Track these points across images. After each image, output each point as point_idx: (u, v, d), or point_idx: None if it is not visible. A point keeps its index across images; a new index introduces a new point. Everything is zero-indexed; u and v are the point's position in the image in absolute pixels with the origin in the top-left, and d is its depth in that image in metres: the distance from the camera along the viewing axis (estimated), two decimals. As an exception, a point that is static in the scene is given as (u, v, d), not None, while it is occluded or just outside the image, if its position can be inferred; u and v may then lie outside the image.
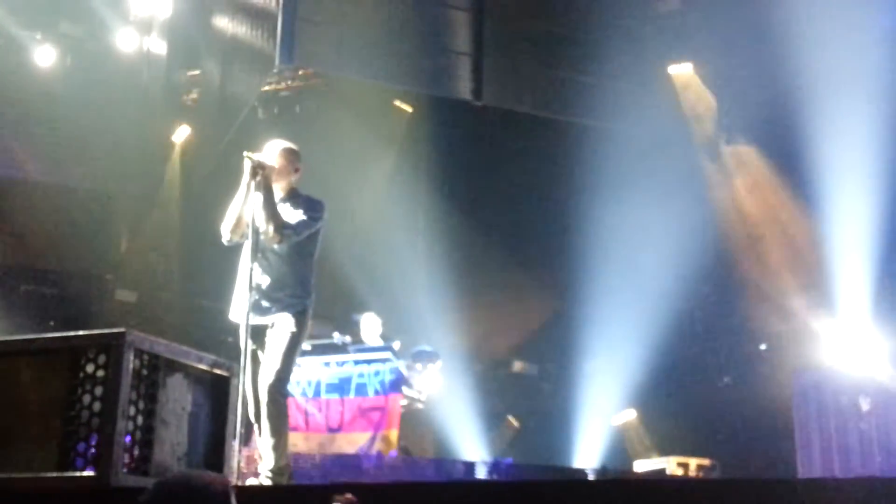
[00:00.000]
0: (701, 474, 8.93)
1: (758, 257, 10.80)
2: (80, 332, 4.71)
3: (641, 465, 9.54)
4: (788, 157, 10.28)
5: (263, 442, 5.40)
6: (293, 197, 5.70)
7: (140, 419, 4.61)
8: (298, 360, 8.21)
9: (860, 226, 9.11)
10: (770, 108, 10.57)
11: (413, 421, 8.79)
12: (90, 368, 4.52)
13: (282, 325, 5.50)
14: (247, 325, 5.34)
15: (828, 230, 9.42)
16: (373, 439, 8.14)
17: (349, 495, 3.00)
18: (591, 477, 8.70)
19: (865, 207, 9.12)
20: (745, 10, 10.76)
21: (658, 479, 8.01)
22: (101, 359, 4.51)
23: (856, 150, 9.30)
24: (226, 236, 5.64)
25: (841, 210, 9.34)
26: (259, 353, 5.48)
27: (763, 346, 10.70)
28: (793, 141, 9.90)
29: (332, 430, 8.34)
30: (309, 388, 8.57)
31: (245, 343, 5.28)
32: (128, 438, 4.51)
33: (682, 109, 11.66)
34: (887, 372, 7.77)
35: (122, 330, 4.61)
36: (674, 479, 7.98)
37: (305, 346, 8.57)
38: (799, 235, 10.23)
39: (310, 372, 8.62)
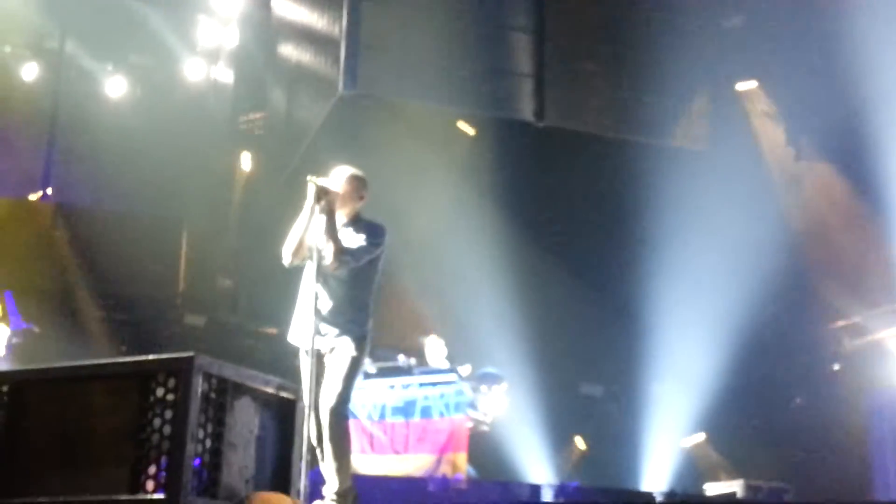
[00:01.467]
0: (773, 498, 8.75)
1: (830, 275, 10.59)
2: (150, 357, 4.79)
3: (712, 489, 9.38)
4: (860, 172, 10.10)
5: (327, 465, 5.43)
6: (356, 222, 5.73)
7: (209, 442, 4.65)
8: (363, 383, 8.33)
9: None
10: (839, 123, 10.41)
11: (479, 443, 8.75)
12: (160, 392, 4.58)
13: (342, 349, 5.53)
14: (312, 349, 5.38)
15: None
16: (438, 462, 8.13)
17: None
18: (659, 500, 8.58)
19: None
20: (808, 23, 10.63)
21: (728, 503, 7.87)
22: (171, 383, 4.57)
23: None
24: (287, 259, 5.70)
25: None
26: (320, 377, 5.51)
27: (836, 366, 10.47)
28: (864, 156, 9.73)
29: (397, 453, 8.34)
30: (374, 410, 8.59)
31: (310, 367, 5.33)
32: (197, 462, 4.57)
33: (750, 126, 11.53)
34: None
35: (190, 354, 4.67)
36: (744, 503, 7.83)
37: (371, 368, 8.65)
38: (873, 252, 10.01)
39: (375, 395, 8.65)
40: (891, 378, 8.58)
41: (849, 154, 10.27)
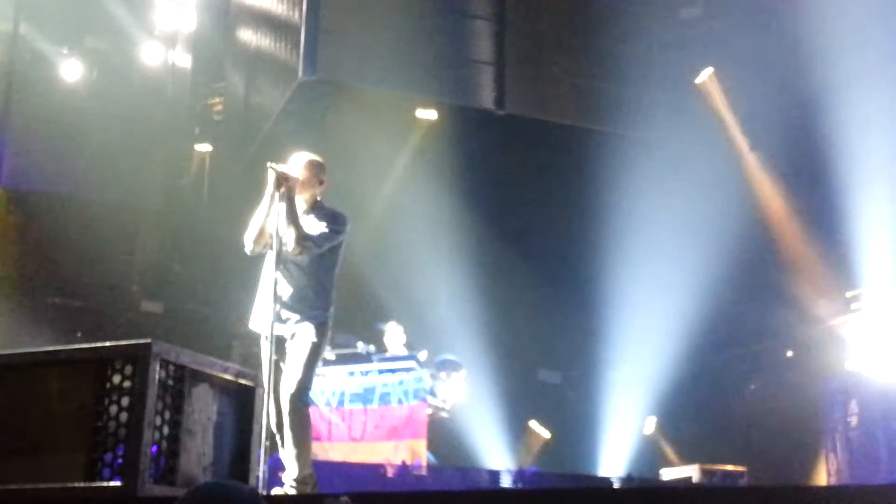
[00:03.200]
0: (728, 482, 8.86)
1: (784, 264, 10.73)
2: (107, 344, 4.75)
3: (668, 473, 9.48)
4: (811, 163, 10.22)
5: (286, 451, 5.43)
6: (317, 209, 5.73)
7: (166, 429, 4.64)
8: (322, 369, 8.32)
9: (886, 230, 9.04)
10: (792, 115, 10.52)
11: (439, 430, 8.78)
12: (117, 379, 4.55)
13: (303, 336, 5.53)
14: (271, 335, 5.37)
15: (854, 235, 9.36)
16: (396, 448, 8.14)
17: (345, 498, 3.00)
18: (616, 485, 8.66)
19: (891, 212, 9.05)
20: (765, 15, 10.73)
21: (684, 487, 7.96)
22: (128, 369, 4.55)
23: (880, 155, 9.25)
24: (248, 246, 5.69)
25: (867, 214, 9.28)
26: (280, 363, 5.50)
27: (790, 353, 10.62)
28: (815, 147, 9.85)
29: (354, 440, 8.34)
30: (333, 397, 8.58)
31: (269, 353, 5.31)
32: (154, 449, 4.54)
33: (707, 116, 11.63)
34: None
35: (148, 341, 4.64)
36: (700, 487, 7.92)
37: (330, 355, 8.64)
38: (825, 241, 10.15)
39: (334, 382, 8.64)
40: (843, 364, 8.72)
41: (801, 144, 10.39)
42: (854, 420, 7.23)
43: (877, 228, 9.18)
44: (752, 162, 11.26)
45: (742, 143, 11.58)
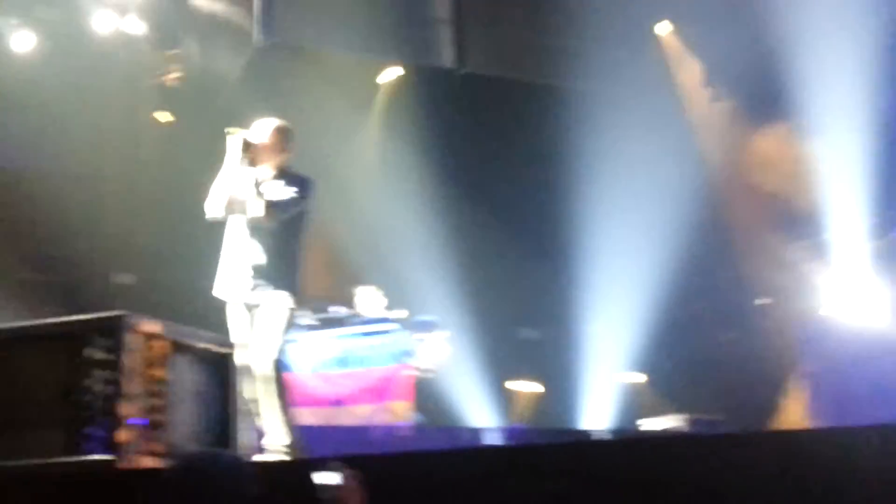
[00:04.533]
0: (706, 430, 8.94)
1: (753, 211, 10.80)
2: (81, 317, 4.67)
3: (648, 424, 9.55)
4: (776, 110, 10.27)
5: (266, 419, 5.36)
6: (283, 174, 5.69)
7: (147, 400, 4.58)
8: (302, 335, 8.25)
9: (855, 174, 9.11)
10: (753, 63, 10.55)
11: (423, 391, 8.75)
12: (93, 352, 4.48)
13: (273, 303, 5.47)
14: (242, 302, 5.31)
15: (823, 180, 9.42)
16: (378, 410, 8.12)
17: (337, 463, 2.97)
18: (598, 438, 8.72)
19: (859, 155, 9.11)
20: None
21: (665, 437, 8.02)
22: (104, 342, 4.48)
23: (845, 99, 9.29)
24: (211, 212, 5.63)
25: (835, 159, 9.34)
26: (251, 330, 5.44)
27: (764, 300, 10.70)
28: (779, 93, 9.89)
29: (335, 404, 8.29)
30: (313, 362, 8.52)
31: (240, 321, 5.26)
32: (136, 420, 4.48)
33: (668, 69, 11.64)
34: (888, 320, 7.77)
35: (121, 312, 4.58)
36: (681, 436, 7.99)
37: (309, 320, 8.58)
38: (793, 187, 10.22)
39: (313, 347, 8.57)
40: (818, 309, 8.80)
41: (764, 92, 10.43)
42: (831, 364, 7.29)
43: (842, 172, 9.24)
44: (715, 112, 11.29)
45: (703, 94, 11.61)
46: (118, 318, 4.57)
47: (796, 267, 9.59)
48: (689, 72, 11.68)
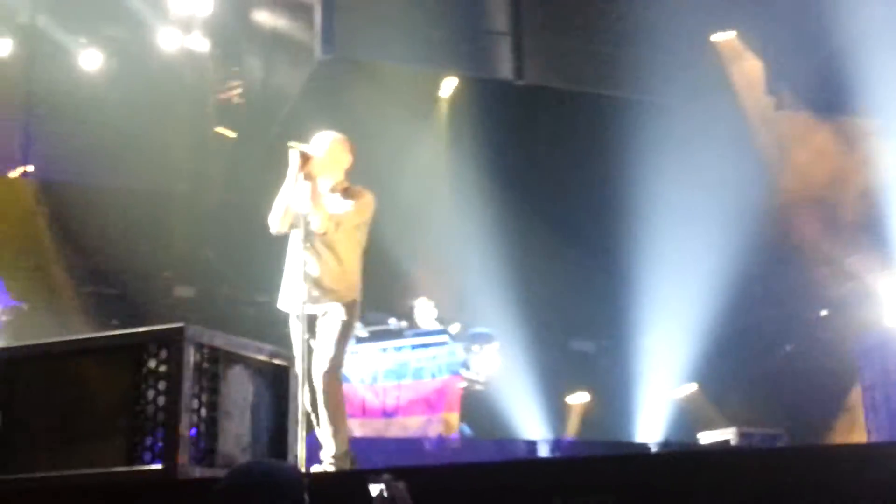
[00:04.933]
0: (766, 444, 8.82)
1: (815, 221, 10.63)
2: (141, 329, 4.77)
3: (706, 437, 9.46)
4: (842, 117, 10.11)
5: (322, 430, 5.45)
6: (342, 188, 5.74)
7: (204, 412, 4.66)
8: (355, 347, 8.34)
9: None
10: (818, 71, 10.40)
11: (474, 403, 8.79)
12: (152, 364, 4.57)
13: (332, 315, 5.56)
14: (303, 315, 5.38)
15: (887, 187, 9.24)
16: (428, 422, 8.16)
17: (388, 476, 3.03)
18: (654, 450, 8.64)
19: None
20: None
21: (722, 450, 7.94)
22: (163, 354, 4.57)
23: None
24: (274, 227, 5.71)
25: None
26: (312, 342, 5.52)
27: (824, 312, 10.53)
28: (845, 101, 9.73)
29: (387, 416, 8.35)
30: (367, 374, 8.61)
31: (301, 333, 5.33)
32: (193, 431, 4.56)
33: (729, 79, 11.51)
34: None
35: (181, 325, 4.66)
36: (738, 450, 7.90)
37: (362, 332, 8.67)
38: (858, 195, 10.04)
39: (367, 359, 8.66)
40: (877, 320, 8.64)
41: (829, 101, 10.27)
42: (892, 377, 7.15)
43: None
44: (781, 121, 11.13)
45: (768, 102, 11.45)
46: (177, 330, 4.64)
47: (858, 278, 9.43)
48: (751, 79, 11.54)
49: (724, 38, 11.50)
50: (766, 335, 11.14)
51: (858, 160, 9.99)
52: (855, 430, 8.18)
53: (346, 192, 5.72)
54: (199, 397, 4.65)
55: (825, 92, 10.38)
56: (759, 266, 10.62)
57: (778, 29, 11.03)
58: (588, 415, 11.25)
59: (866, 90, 9.36)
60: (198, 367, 4.65)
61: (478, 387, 8.81)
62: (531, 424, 9.74)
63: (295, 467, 3.46)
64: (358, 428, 8.11)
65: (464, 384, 8.59)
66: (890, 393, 7.07)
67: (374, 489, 3.03)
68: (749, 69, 11.50)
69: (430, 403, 8.30)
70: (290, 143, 5.63)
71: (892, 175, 9.21)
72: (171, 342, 4.59)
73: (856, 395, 7.75)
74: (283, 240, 5.76)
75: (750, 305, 10.87)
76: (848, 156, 10.31)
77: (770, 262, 10.81)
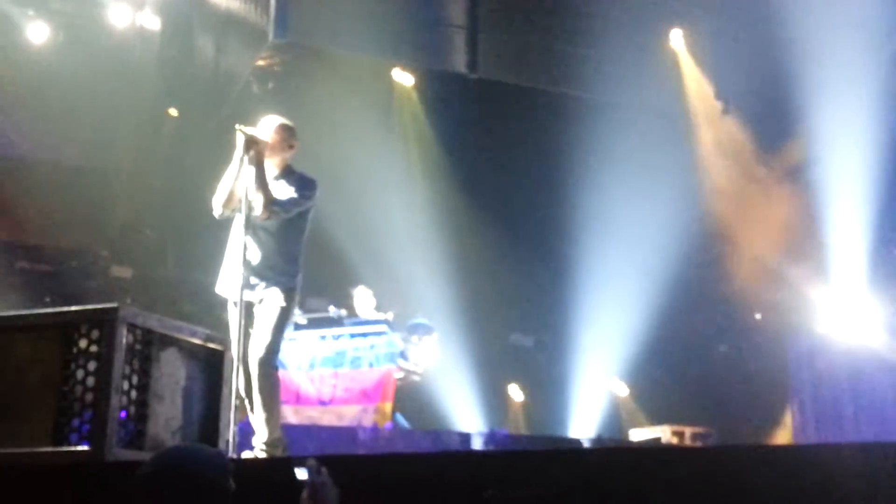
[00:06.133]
0: (697, 442, 8.96)
1: (751, 226, 10.81)
2: (73, 308, 4.72)
3: (637, 434, 9.58)
4: (784, 125, 10.27)
5: (256, 416, 5.42)
6: (286, 174, 5.69)
7: (134, 394, 4.62)
8: (293, 334, 8.31)
9: (856, 193, 9.11)
10: (764, 78, 10.56)
11: (410, 393, 8.80)
12: (83, 344, 4.52)
13: (271, 301, 5.51)
14: (241, 300, 5.35)
15: (823, 198, 9.42)
16: (364, 411, 8.16)
17: (311, 461, 3.03)
18: (585, 446, 8.73)
19: (861, 174, 9.11)
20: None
21: (653, 448, 8.04)
22: (95, 334, 4.52)
23: (852, 116, 9.29)
24: (217, 210, 5.65)
25: (836, 177, 9.34)
26: (249, 328, 5.48)
27: (758, 315, 10.71)
28: (788, 109, 9.89)
29: (323, 403, 8.33)
30: (304, 361, 8.57)
31: (238, 318, 5.30)
32: (122, 413, 4.53)
33: (679, 81, 11.64)
34: (881, 339, 7.78)
35: (114, 305, 4.61)
36: (669, 448, 8.01)
37: (301, 319, 8.63)
38: (793, 204, 10.23)
39: (305, 346, 8.62)
40: (810, 327, 8.81)
41: (773, 107, 10.42)
42: (819, 381, 7.31)
43: (849, 190, 9.24)
44: (723, 125, 11.29)
45: (714, 107, 11.60)
46: (110, 310, 4.59)
47: (793, 283, 9.61)
48: (700, 84, 11.68)
49: (677, 40, 11.63)
50: (701, 336, 11.31)
51: (797, 170, 10.18)
52: (783, 432, 8.34)
53: (290, 178, 5.68)
54: (129, 379, 4.62)
55: (768, 102, 10.54)
56: (696, 268, 10.76)
57: (729, 35, 11.18)
58: (524, 409, 11.34)
59: (808, 101, 9.52)
60: (130, 348, 4.61)
61: (415, 378, 8.82)
62: (466, 417, 9.79)
63: (221, 453, 3.43)
64: (292, 415, 8.07)
65: (401, 375, 8.59)
66: (818, 397, 7.22)
67: (300, 473, 3.02)
68: (699, 73, 11.65)
69: (367, 393, 8.29)
70: (238, 126, 5.58)
71: (830, 185, 9.38)
72: (104, 322, 4.54)
73: (786, 398, 7.90)
74: (225, 223, 5.71)
75: (685, 307, 11.02)
76: (787, 165, 10.48)
77: (707, 265, 10.96)
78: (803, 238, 9.72)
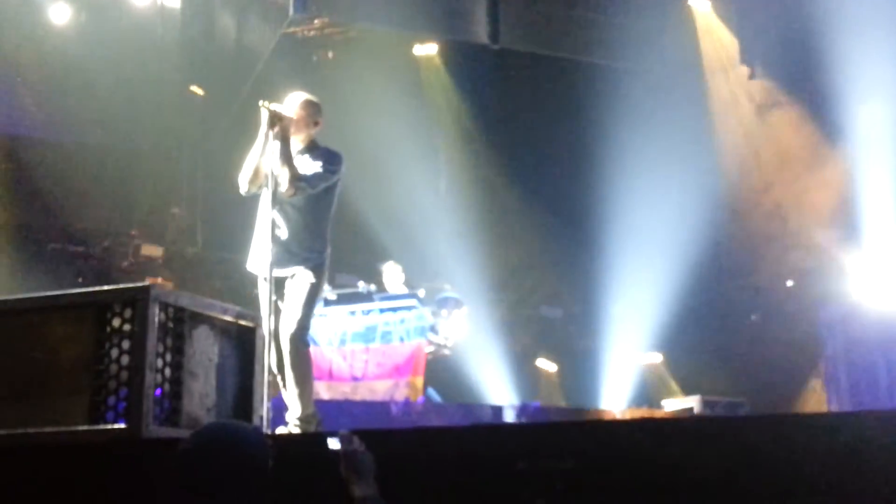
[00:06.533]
0: (728, 412, 8.93)
1: (783, 192, 10.71)
2: (106, 287, 4.74)
3: (669, 405, 9.56)
4: (813, 90, 10.15)
5: (289, 391, 5.45)
6: (312, 149, 5.69)
7: (168, 371, 4.64)
8: (323, 310, 8.34)
9: (887, 158, 9.01)
10: (792, 41, 10.42)
11: (440, 367, 8.81)
12: (117, 323, 4.54)
13: (300, 277, 5.53)
14: (270, 276, 5.35)
15: (854, 163, 9.32)
16: (396, 386, 8.18)
17: (345, 432, 3.04)
18: (617, 417, 8.72)
19: (892, 138, 9.00)
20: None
21: (685, 418, 8.03)
22: (128, 313, 4.54)
23: (882, 80, 9.17)
24: (244, 187, 5.66)
25: (867, 142, 9.23)
26: (279, 304, 5.50)
27: (790, 283, 10.63)
28: (817, 73, 9.77)
29: (355, 379, 8.36)
30: (335, 337, 8.60)
31: (268, 294, 5.30)
32: (157, 391, 4.55)
33: (701, 49, 11.53)
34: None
35: (146, 284, 4.64)
36: (701, 418, 7.99)
37: (331, 295, 8.66)
38: (824, 168, 10.12)
39: (336, 321, 8.65)
40: (842, 294, 8.74)
41: (802, 71, 10.31)
42: (854, 349, 7.25)
43: (880, 154, 9.14)
44: (752, 91, 11.16)
45: (741, 72, 11.48)
46: (142, 289, 4.61)
47: (824, 250, 9.52)
48: (725, 48, 11.55)
49: (699, 5, 11.51)
50: (732, 305, 11.25)
51: (828, 134, 10.06)
52: (816, 400, 8.29)
53: (316, 153, 5.66)
54: (163, 357, 4.64)
55: (797, 65, 10.41)
56: (727, 237, 10.69)
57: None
58: (556, 381, 11.34)
59: (837, 66, 9.40)
60: (162, 326, 4.63)
61: (445, 351, 8.83)
62: (498, 390, 9.80)
63: (260, 430, 3.44)
64: (325, 391, 8.11)
65: (431, 349, 8.60)
66: (851, 365, 7.16)
67: (333, 443, 3.04)
68: (723, 38, 11.53)
69: (398, 367, 8.31)
70: (262, 103, 5.57)
71: (860, 150, 9.28)
72: (136, 301, 4.56)
73: (818, 366, 7.85)
74: (252, 200, 5.72)
75: (716, 276, 10.96)
76: (817, 129, 10.37)
77: (738, 232, 10.88)
78: (834, 202, 9.63)
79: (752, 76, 11.54)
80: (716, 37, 11.52)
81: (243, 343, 5.12)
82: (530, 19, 11.61)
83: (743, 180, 10.72)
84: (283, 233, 5.55)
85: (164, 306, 4.65)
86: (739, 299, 11.24)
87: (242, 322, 5.09)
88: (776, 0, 10.73)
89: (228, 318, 4.99)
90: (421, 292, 8.80)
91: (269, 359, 5.09)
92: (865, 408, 7.08)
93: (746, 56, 11.57)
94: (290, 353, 5.40)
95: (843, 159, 9.52)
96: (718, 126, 10.98)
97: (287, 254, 5.53)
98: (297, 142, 5.66)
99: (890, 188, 8.92)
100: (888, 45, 9.17)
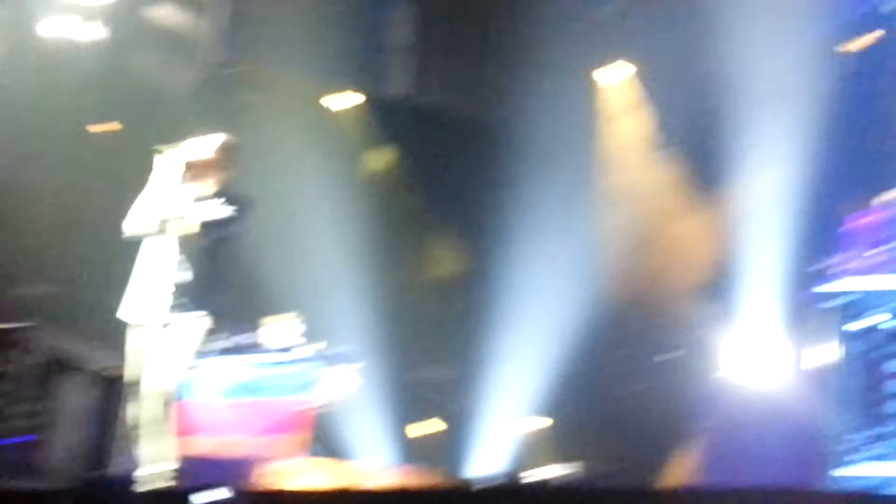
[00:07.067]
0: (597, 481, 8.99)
1: (665, 265, 10.93)
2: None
3: (548, 472, 9.58)
4: (708, 166, 10.44)
5: (153, 445, 5.25)
6: (224, 192, 5.59)
7: (31, 419, 4.60)
8: (214, 359, 8.20)
9: (771, 235, 9.28)
10: (701, 116, 10.72)
11: (326, 423, 8.72)
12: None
13: (189, 324, 5.40)
14: (149, 325, 5.30)
15: (739, 239, 9.60)
16: (274, 442, 8.04)
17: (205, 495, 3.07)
18: (488, 484, 8.74)
19: (775, 214, 9.29)
20: (679, 18, 10.87)
21: (562, 486, 8.10)
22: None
23: (773, 155, 9.47)
24: (130, 230, 5.53)
25: (753, 217, 9.52)
26: (154, 353, 5.34)
27: (674, 355, 10.82)
28: (712, 149, 10.06)
29: (233, 433, 8.17)
30: (218, 389, 8.42)
31: (142, 343, 5.23)
32: (16, 440, 4.51)
33: (603, 117, 11.74)
34: (790, 380, 7.94)
35: (17, 326, 4.61)
36: (579, 486, 8.08)
37: (224, 343, 8.51)
38: (709, 244, 10.39)
39: (221, 372, 8.45)
40: (724, 367, 8.94)
41: (699, 146, 10.59)
42: (728, 422, 7.43)
43: (764, 231, 9.41)
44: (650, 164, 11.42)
45: (647, 141, 11.71)
46: (16, 330, 4.58)
47: (702, 325, 9.74)
48: (635, 119, 11.77)
49: (610, 75, 11.70)
50: (615, 375, 11.39)
51: (715, 208, 10.32)
52: (686, 473, 8.44)
53: (228, 197, 5.56)
54: (30, 402, 4.60)
55: (696, 141, 10.70)
56: (613, 308, 10.85)
57: (664, 72, 11.31)
58: (436, 443, 11.32)
59: (732, 142, 9.68)
60: (27, 373, 4.60)
61: (332, 408, 8.75)
62: (377, 450, 9.74)
63: (119, 483, 3.44)
64: (197, 445, 7.87)
65: (318, 404, 8.51)
66: (723, 439, 7.33)
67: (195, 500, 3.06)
68: (631, 109, 11.76)
69: (284, 423, 8.16)
70: (159, 147, 5.53)
71: (747, 227, 9.55)
72: (9, 344, 4.52)
73: (695, 439, 8.01)
74: (135, 244, 5.61)
75: (602, 345, 11.04)
76: (704, 203, 10.62)
77: (624, 305, 11.05)
78: (716, 279, 9.88)
79: (660, 147, 11.75)
80: (632, 106, 11.70)
81: (113, 392, 5.09)
82: (446, 76, 11.84)
83: (628, 251, 10.91)
84: (183, 276, 5.41)
85: (36, 350, 4.61)
86: (622, 370, 11.36)
87: (112, 371, 5.07)
88: (687, 73, 10.97)
89: (95, 368, 4.96)
90: (316, 347, 8.72)
91: (133, 410, 4.99)
92: (740, 482, 7.24)
93: (661, 126, 11.75)
94: (157, 405, 5.18)
95: (729, 234, 9.79)
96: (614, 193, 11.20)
97: (183, 298, 5.39)
98: (211, 184, 5.57)
99: (772, 263, 9.17)
100: (786, 125, 9.48)
